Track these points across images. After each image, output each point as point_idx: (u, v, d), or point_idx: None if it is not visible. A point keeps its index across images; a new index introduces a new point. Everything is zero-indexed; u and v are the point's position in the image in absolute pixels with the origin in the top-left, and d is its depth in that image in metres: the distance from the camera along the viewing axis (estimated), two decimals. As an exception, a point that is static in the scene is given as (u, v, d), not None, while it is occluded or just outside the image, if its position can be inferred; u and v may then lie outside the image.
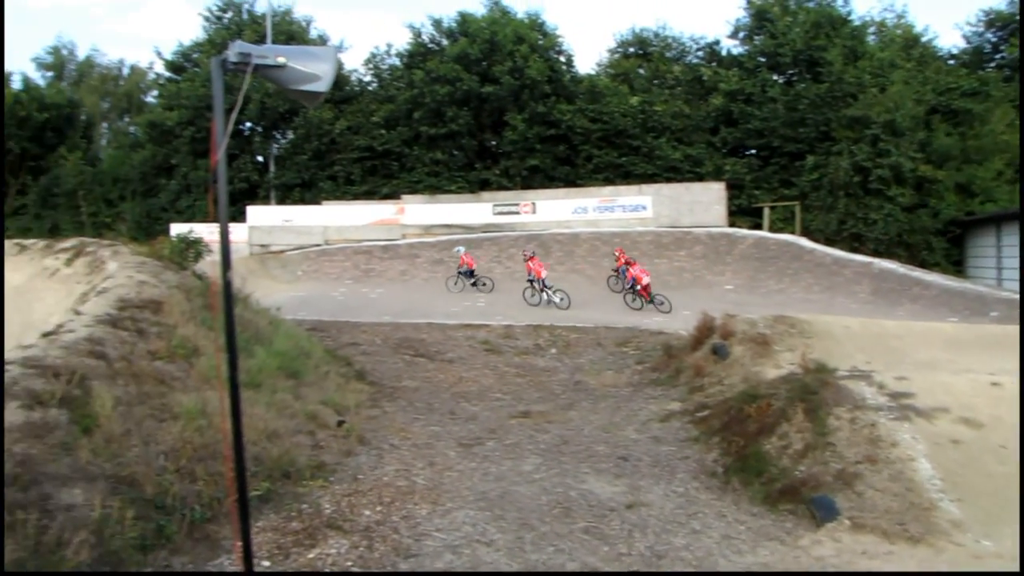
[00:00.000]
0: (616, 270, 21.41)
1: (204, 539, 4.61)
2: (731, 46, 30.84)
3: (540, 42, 30.41)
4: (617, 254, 21.94)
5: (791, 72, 28.11)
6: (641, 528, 5.05)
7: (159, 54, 38.93)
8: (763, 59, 28.34)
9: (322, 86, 3.24)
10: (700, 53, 32.04)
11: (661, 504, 5.49)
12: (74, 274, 9.98)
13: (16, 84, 39.15)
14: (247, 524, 3.23)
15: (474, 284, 21.92)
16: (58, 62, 53.33)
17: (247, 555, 3.21)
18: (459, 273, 22.10)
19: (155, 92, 43.68)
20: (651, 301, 18.24)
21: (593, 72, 33.19)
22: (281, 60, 3.19)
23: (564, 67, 30.90)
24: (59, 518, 4.09)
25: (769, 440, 6.24)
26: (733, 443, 6.57)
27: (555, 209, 27.29)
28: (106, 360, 5.96)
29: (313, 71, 3.23)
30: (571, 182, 29.36)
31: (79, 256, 10.50)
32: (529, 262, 19.77)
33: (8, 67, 40.07)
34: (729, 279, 21.67)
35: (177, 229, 23.09)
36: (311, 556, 4.54)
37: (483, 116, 30.08)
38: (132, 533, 4.28)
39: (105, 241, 11.63)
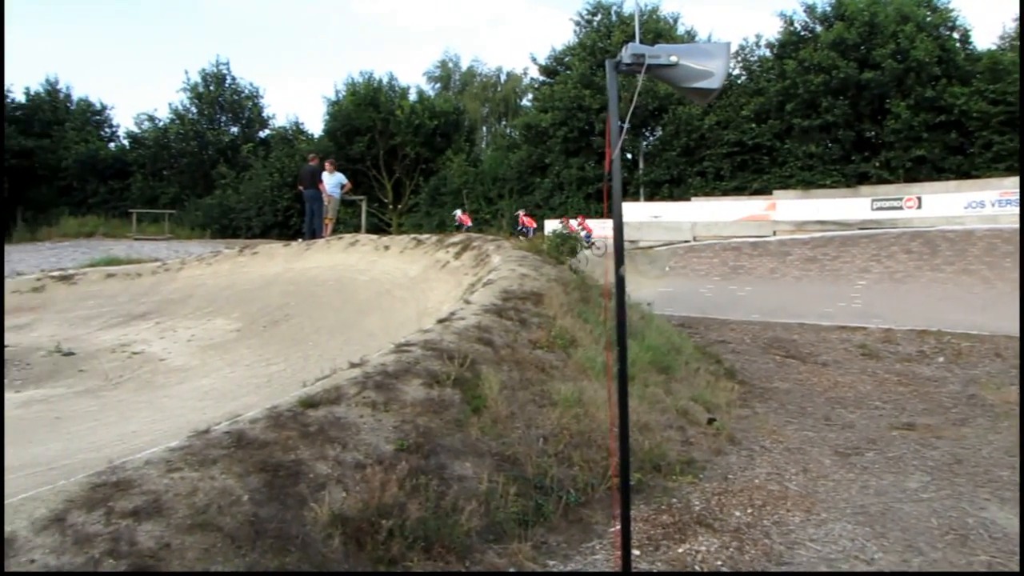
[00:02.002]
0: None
1: (578, 521, 4.80)
2: None
3: (928, 19, 27.85)
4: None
5: None
6: (1062, 576, 4.41)
7: (534, 59, 41.47)
8: None
9: (715, 83, 3.22)
10: None
11: (1092, 552, 4.73)
12: (462, 266, 10.87)
13: (412, 97, 43.69)
14: (627, 512, 3.31)
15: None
16: (445, 74, 58.92)
17: (626, 542, 3.29)
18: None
19: (530, 96, 46.53)
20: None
21: (995, 47, 29.64)
22: (674, 59, 3.21)
23: (958, 45, 27.99)
24: (454, 487, 4.48)
25: None
26: None
27: (944, 203, 24.87)
28: (492, 347, 6.43)
29: (706, 68, 3.21)
30: (964, 173, 26.53)
31: (466, 250, 11.41)
32: (523, 217, 26.62)
33: (404, 83, 44.94)
34: None
35: (551, 225, 24.37)
36: (680, 551, 4.54)
37: (861, 105, 28.22)
38: (514, 508, 4.56)
39: (488, 236, 12.52)
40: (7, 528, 3.16)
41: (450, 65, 59.65)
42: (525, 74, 53.24)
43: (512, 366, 6.22)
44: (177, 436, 4.36)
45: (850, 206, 26.60)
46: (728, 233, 27.36)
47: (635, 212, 30.07)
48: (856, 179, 28.28)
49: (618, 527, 3.47)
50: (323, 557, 3.58)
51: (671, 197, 31.59)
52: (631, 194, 33.27)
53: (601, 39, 35.57)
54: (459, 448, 4.86)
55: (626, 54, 3.23)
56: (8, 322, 16.20)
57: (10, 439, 7.05)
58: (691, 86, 3.29)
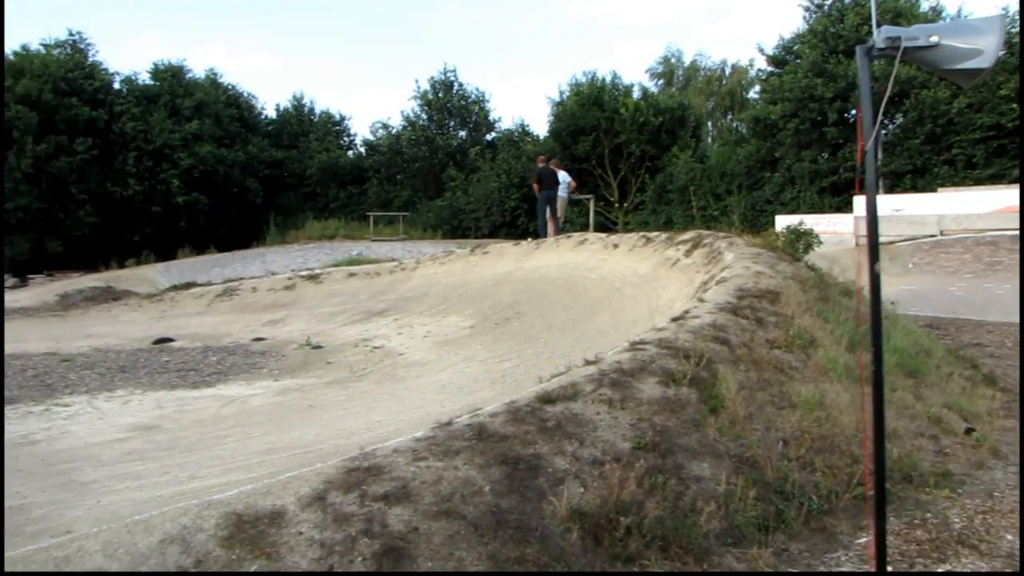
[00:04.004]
0: None
1: (821, 530, 4.58)
2: None
3: None
4: None
5: None
6: None
7: (761, 50, 39.80)
8: None
9: (985, 62, 2.94)
10: None
11: None
12: (693, 264, 10.69)
13: (635, 94, 43.58)
14: (883, 524, 3.12)
15: None
16: (668, 70, 58.40)
17: (881, 556, 3.09)
18: None
19: (757, 88, 45.12)
20: None
21: None
22: (934, 39, 2.98)
23: None
24: (692, 487, 4.41)
25: None
26: None
27: None
28: (728, 346, 6.27)
29: (973, 46, 2.95)
30: None
31: (697, 247, 11.22)
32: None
33: (627, 81, 44.83)
34: None
35: (783, 221, 23.46)
36: (939, 570, 4.22)
37: None
38: (753, 512, 4.42)
39: (720, 233, 12.24)
40: (276, 502, 3.47)
41: (672, 61, 59.13)
42: (751, 66, 51.87)
43: (749, 366, 6.05)
44: (419, 427, 4.58)
45: None
46: (981, 226, 25.04)
47: (875, 206, 28.19)
48: None
49: (867, 539, 3.28)
50: (561, 550, 3.63)
51: (914, 188, 29.44)
52: (869, 187, 31.30)
53: (833, 24, 33.80)
54: (696, 448, 4.78)
55: (879, 38, 3.04)
56: (264, 317, 17.76)
57: (272, 423, 7.73)
58: (955, 67, 3.03)
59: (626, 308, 10.40)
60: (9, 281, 34.72)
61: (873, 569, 3.30)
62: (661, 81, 58.04)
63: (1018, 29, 27.10)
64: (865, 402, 3.06)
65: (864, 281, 3.13)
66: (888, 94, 3.28)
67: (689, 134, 42.79)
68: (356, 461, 3.92)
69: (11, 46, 43.95)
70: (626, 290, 11.17)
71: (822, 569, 4.21)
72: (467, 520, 3.58)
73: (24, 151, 39.24)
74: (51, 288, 30.73)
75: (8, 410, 8.82)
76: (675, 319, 6.79)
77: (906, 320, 10.33)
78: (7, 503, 5.15)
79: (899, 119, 31.90)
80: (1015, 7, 28.68)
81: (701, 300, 7.51)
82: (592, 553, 3.72)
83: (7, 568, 2.96)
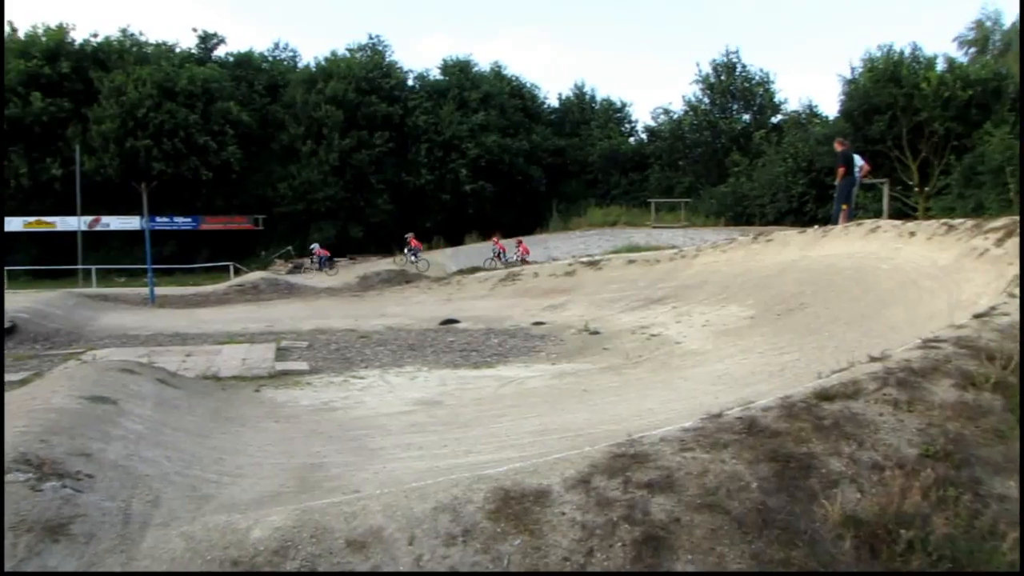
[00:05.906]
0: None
1: None
2: None
3: None
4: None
5: None
6: None
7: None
8: None
9: None
10: None
11: None
12: (1004, 255, 9.59)
13: (940, 67, 40.04)
14: None
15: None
16: (981, 36, 52.93)
17: None
18: None
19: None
20: None
21: None
22: None
23: None
24: (992, 507, 3.94)
25: None
26: None
27: None
28: (1045, 349, 5.57)
29: None
30: None
31: (1010, 236, 10.04)
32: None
33: (929, 52, 41.17)
34: None
35: None
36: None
37: None
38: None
39: (1039, 220, 10.89)
40: (542, 481, 3.57)
41: (988, 24, 53.42)
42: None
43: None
44: (690, 417, 4.48)
45: None
46: None
47: None
48: None
49: None
50: (831, 557, 3.41)
51: None
52: None
53: None
54: (999, 462, 4.26)
55: None
56: (544, 302, 18.33)
57: (546, 404, 7.94)
58: None
59: (922, 302, 9.55)
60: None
61: None
62: (972, 49, 52.78)
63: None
64: None
65: None
66: None
67: (1007, 108, 38.42)
68: (622, 447, 3.92)
69: (323, 53, 48.81)
70: (923, 282, 10.26)
71: None
72: (731, 515, 3.46)
73: (332, 146, 43.80)
74: (353, 270, 33.95)
75: (313, 379, 9.78)
76: (978, 316, 6.13)
77: None
78: (309, 460, 5.70)
79: None
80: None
81: (1012, 295, 6.74)
82: (865, 564, 3.44)
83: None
